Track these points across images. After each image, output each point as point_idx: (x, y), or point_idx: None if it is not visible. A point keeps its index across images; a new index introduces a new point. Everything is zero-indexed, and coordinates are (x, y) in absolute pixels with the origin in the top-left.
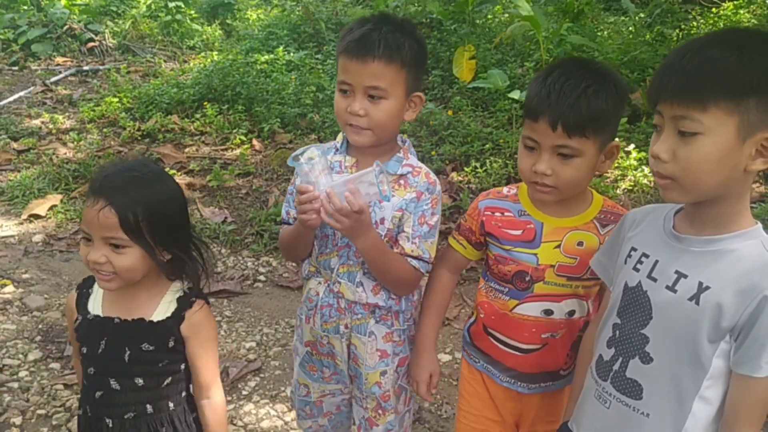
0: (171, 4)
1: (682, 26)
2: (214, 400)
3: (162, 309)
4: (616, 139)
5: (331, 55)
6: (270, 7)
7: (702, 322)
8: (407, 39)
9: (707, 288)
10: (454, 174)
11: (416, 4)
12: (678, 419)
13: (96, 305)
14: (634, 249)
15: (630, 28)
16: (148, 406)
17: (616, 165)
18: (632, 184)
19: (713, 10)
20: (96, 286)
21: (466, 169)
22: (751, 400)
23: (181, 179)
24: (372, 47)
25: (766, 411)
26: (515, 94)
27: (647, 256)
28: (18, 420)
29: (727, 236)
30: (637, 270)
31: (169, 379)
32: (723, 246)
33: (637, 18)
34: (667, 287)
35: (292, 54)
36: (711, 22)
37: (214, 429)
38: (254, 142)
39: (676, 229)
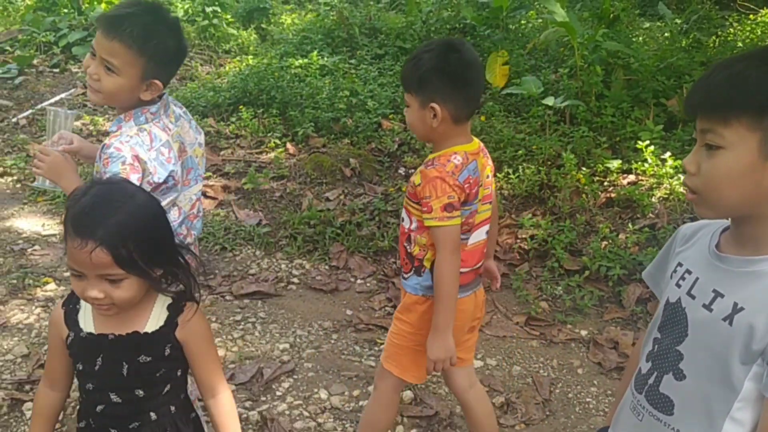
0: (208, 9)
1: (719, 33)
2: (222, 398)
3: (154, 319)
4: (435, 105)
5: (365, 60)
6: (304, 12)
7: (734, 344)
8: (164, 34)
9: (741, 309)
10: None
11: (450, 9)
12: None
13: (87, 322)
14: (680, 264)
15: (666, 35)
16: (151, 414)
17: (652, 172)
18: (668, 192)
19: (750, 16)
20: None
21: (498, 174)
22: None
23: (217, 181)
24: (117, 29)
25: None
26: (549, 101)
27: (690, 273)
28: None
29: (766, 258)
30: (679, 286)
31: (169, 386)
32: (761, 267)
33: (673, 24)
34: (704, 305)
35: (326, 58)
36: (748, 29)
37: (226, 424)
38: (288, 145)
39: (720, 247)
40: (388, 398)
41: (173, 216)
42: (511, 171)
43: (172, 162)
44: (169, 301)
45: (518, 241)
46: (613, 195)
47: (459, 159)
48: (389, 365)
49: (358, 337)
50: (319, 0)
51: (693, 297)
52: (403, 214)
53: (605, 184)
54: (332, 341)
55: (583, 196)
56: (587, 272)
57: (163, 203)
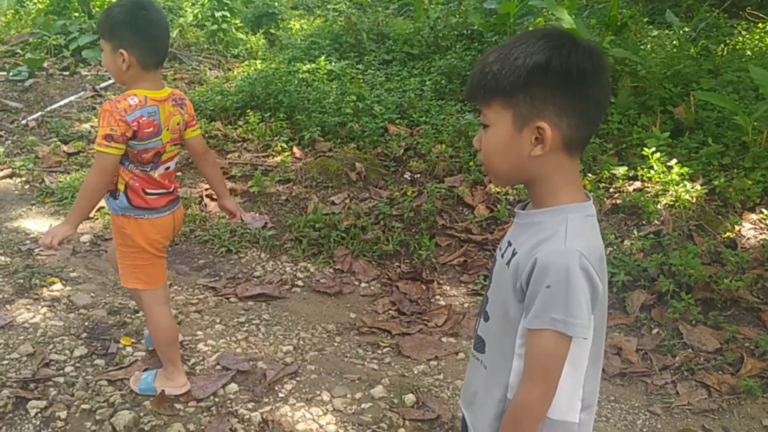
0: (217, 14)
1: (727, 41)
2: None
3: None
4: (123, 51)
5: (372, 65)
6: (313, 18)
7: (510, 284)
8: None
9: (516, 253)
10: (491, 185)
11: (457, 16)
12: (505, 374)
13: None
14: None
15: (674, 42)
16: None
17: (658, 179)
18: (674, 199)
19: (759, 25)
20: None
21: None
22: (531, 354)
23: None
24: None
25: (549, 368)
26: None
27: None
28: (63, 414)
29: (540, 211)
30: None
31: None
32: (534, 219)
33: (681, 32)
34: (501, 254)
35: (333, 63)
36: (757, 37)
37: None
38: (295, 149)
39: (526, 207)
40: (155, 311)
41: None
42: None
43: None
44: None
45: None
46: (618, 201)
47: (136, 100)
48: (132, 284)
49: (361, 340)
50: (328, 6)
51: (500, 249)
52: None
53: (611, 190)
54: (335, 344)
55: None
56: None
57: None
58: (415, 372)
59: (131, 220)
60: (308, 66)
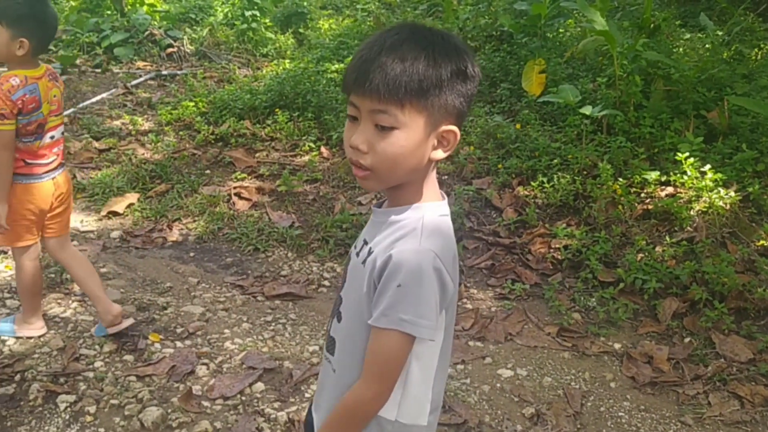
0: (247, 13)
1: (762, 45)
2: None
3: None
4: (24, 40)
5: None
6: (342, 18)
7: (365, 282)
8: None
9: (371, 252)
10: (520, 188)
11: (487, 17)
12: (354, 376)
13: None
14: None
15: (707, 46)
16: None
17: (691, 185)
18: (707, 205)
19: None
20: None
21: (532, 183)
22: (372, 352)
23: (251, 183)
24: None
25: (388, 368)
26: (587, 110)
27: None
28: (92, 409)
29: (398, 209)
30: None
31: None
32: (392, 217)
33: (714, 36)
34: (356, 253)
35: None
36: None
37: None
38: (323, 149)
39: (382, 206)
40: (26, 264)
41: None
42: (545, 180)
43: None
44: None
45: (551, 250)
46: (650, 207)
47: (17, 80)
48: (6, 242)
49: None
50: (357, 6)
51: (355, 247)
52: None
53: (642, 195)
54: None
55: (620, 207)
56: (622, 284)
57: None
58: None
59: (15, 185)
60: (337, 66)
